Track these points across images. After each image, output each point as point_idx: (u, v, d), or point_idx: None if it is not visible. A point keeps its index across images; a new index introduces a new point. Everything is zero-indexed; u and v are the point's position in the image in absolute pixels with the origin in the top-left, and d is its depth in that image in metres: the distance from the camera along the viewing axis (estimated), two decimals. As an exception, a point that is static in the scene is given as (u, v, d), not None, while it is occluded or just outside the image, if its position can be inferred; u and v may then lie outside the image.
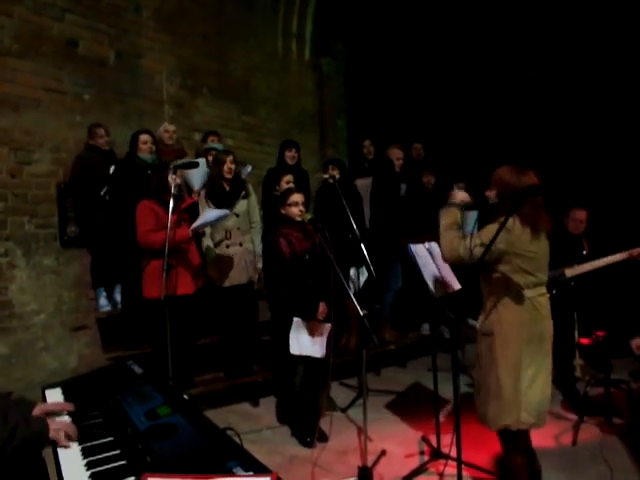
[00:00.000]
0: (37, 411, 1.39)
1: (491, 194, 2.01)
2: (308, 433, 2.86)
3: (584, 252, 3.51)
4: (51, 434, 1.25)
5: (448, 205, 2.07)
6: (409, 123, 5.94)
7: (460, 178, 4.67)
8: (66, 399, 1.57)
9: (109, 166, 3.65)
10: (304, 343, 2.76)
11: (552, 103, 5.48)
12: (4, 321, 3.41)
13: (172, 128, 4.09)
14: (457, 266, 2.64)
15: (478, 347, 2.04)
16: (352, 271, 3.50)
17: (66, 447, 1.25)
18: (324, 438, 2.88)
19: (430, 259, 2.44)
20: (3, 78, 3.55)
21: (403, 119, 6.04)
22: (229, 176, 3.40)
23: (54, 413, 1.43)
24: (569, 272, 3.10)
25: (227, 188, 3.43)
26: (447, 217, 2.04)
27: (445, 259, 2.05)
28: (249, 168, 3.91)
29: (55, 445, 1.26)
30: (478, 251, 1.87)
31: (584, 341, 3.24)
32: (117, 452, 1.22)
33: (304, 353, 2.76)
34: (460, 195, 2.10)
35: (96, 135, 3.69)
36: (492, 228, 1.87)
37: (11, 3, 3.61)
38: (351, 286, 3.59)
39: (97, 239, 3.66)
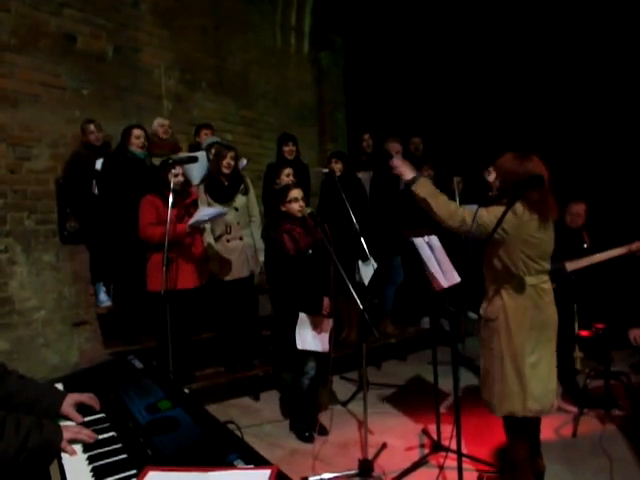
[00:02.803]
0: (68, 401, 1.35)
1: (493, 180, 2.00)
2: (306, 428, 2.87)
3: (585, 245, 3.51)
4: (62, 444, 1.18)
5: (413, 181, 1.99)
6: (408, 116, 5.92)
7: (458, 172, 4.67)
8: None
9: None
10: (309, 338, 2.76)
11: (550, 96, 5.45)
12: (5, 317, 3.42)
13: (167, 122, 4.08)
14: (458, 261, 2.65)
15: (482, 334, 2.04)
16: (357, 266, 3.50)
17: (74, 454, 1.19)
18: (325, 432, 2.89)
19: (430, 252, 2.43)
20: (1, 73, 3.53)
21: (402, 112, 6.01)
22: (227, 171, 3.40)
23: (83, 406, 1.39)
24: (569, 266, 3.10)
25: (225, 183, 3.43)
26: (423, 188, 1.97)
27: (452, 227, 1.95)
28: (244, 162, 3.94)
29: None
30: (482, 228, 1.85)
31: (584, 333, 3.25)
32: (118, 446, 1.22)
33: (308, 348, 2.76)
34: (404, 169, 2.01)
35: (86, 131, 3.68)
36: (499, 209, 1.85)
37: (8, -3, 3.58)
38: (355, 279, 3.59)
39: (92, 235, 3.66)
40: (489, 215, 1.88)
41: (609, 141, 4.98)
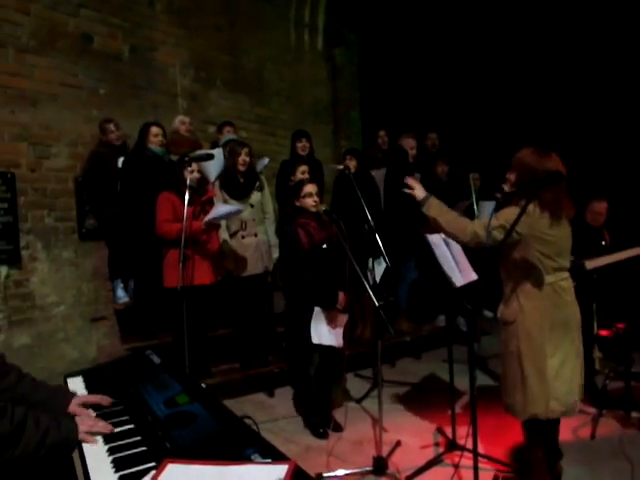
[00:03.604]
0: (75, 401, 1.39)
1: (510, 177, 1.97)
2: (321, 424, 2.88)
3: (603, 243, 3.44)
4: (80, 436, 1.23)
5: (423, 201, 2.04)
6: (423, 113, 5.86)
7: (475, 168, 4.61)
8: (87, 387, 1.60)
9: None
10: (324, 333, 2.77)
11: (570, 91, 5.34)
12: (26, 312, 3.50)
13: (188, 120, 4.11)
14: (473, 256, 2.61)
15: (501, 337, 2.00)
16: (369, 262, 3.50)
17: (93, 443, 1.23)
18: (339, 428, 2.89)
19: (446, 248, 2.41)
20: (21, 74, 3.61)
21: (417, 109, 5.96)
22: (243, 168, 3.42)
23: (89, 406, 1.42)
24: (589, 264, 3.03)
25: (241, 180, 3.45)
26: (433, 209, 2.01)
27: (465, 243, 1.98)
28: (266, 161, 3.95)
29: None
30: (497, 234, 1.82)
31: (603, 333, 3.18)
32: (138, 439, 1.24)
33: (324, 342, 2.76)
34: (417, 189, 2.08)
35: (106, 131, 3.72)
36: (511, 211, 1.81)
37: (28, 0, 3.65)
38: (368, 277, 3.58)
39: (114, 232, 3.71)
40: (499, 221, 1.85)
41: (631, 138, 4.86)
